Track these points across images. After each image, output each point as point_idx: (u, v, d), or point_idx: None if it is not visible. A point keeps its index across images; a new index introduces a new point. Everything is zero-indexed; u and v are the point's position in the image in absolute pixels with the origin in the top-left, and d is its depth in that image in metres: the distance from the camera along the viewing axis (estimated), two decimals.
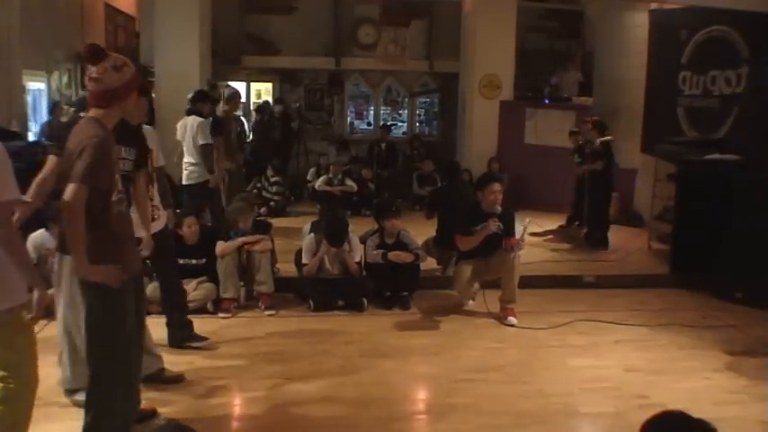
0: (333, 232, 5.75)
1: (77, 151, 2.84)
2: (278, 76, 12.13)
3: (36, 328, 4.35)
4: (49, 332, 3.83)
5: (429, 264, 6.45)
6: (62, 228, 3.50)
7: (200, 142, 6.35)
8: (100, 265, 2.89)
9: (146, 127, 4.16)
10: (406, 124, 12.90)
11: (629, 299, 6.14)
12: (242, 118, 10.07)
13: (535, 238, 7.75)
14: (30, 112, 7.95)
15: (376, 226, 6.20)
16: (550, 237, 8.26)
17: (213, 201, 6.62)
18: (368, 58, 12.04)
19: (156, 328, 4.35)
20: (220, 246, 5.53)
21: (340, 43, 11.90)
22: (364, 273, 5.94)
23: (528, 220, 5.76)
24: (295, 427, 3.71)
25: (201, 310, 5.31)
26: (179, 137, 6.51)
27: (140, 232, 3.61)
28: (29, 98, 7.92)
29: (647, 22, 8.99)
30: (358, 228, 6.46)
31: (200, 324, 4.83)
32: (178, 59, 8.99)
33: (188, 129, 6.42)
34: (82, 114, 3.27)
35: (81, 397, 3.33)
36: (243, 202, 5.94)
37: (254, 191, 9.20)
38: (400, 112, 12.96)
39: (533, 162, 9.77)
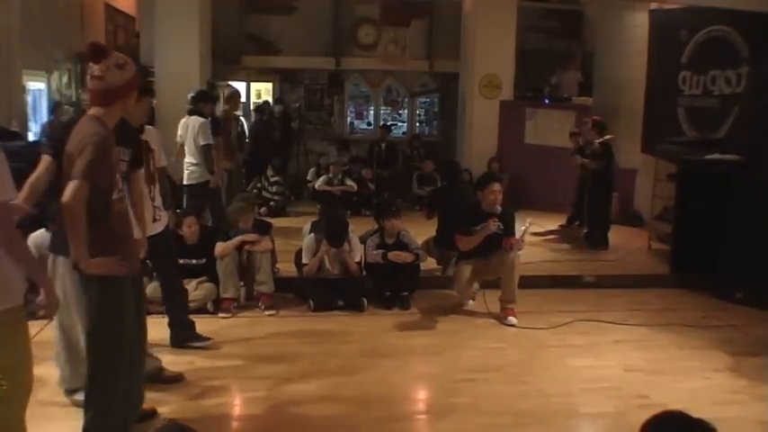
0: (333, 232, 5.75)
1: (78, 149, 2.84)
2: (278, 76, 12.12)
3: (36, 329, 4.38)
4: (49, 332, 3.82)
5: (429, 264, 6.45)
6: (55, 228, 3.51)
7: (202, 143, 6.36)
8: (101, 258, 2.90)
9: (148, 127, 4.16)
10: (406, 124, 12.89)
11: (629, 299, 6.14)
12: (241, 118, 10.06)
13: (536, 237, 7.75)
14: (30, 112, 7.94)
15: (376, 226, 6.20)
16: (553, 237, 8.26)
17: (214, 201, 6.63)
18: (368, 58, 12.04)
19: (158, 328, 4.36)
20: (219, 247, 5.53)
21: (340, 43, 11.90)
22: (364, 273, 5.93)
23: (529, 221, 5.76)
24: (295, 426, 3.71)
25: (201, 310, 5.31)
26: (179, 137, 6.51)
27: (136, 233, 3.60)
28: (29, 98, 7.92)
29: (647, 22, 8.98)
30: (358, 228, 6.46)
31: (201, 324, 4.83)
32: (178, 59, 8.99)
33: (190, 129, 6.42)
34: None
35: (81, 397, 3.32)
36: (243, 202, 5.93)
37: (254, 191, 9.20)
38: (400, 112, 12.96)
39: (533, 162, 9.76)
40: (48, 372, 3.88)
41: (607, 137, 7.71)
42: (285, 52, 11.74)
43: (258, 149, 10.01)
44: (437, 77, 12.43)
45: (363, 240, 6.09)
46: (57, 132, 3.44)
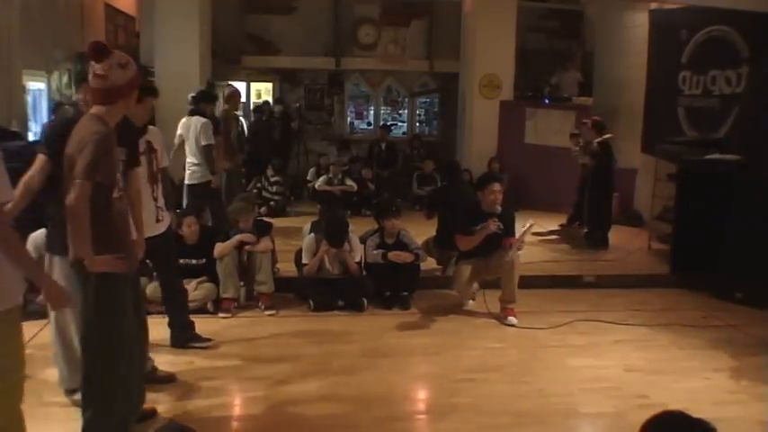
0: (333, 232, 5.75)
1: (79, 149, 2.84)
2: (278, 76, 12.13)
3: (36, 329, 4.38)
4: (48, 333, 3.82)
5: (429, 264, 6.45)
6: (51, 228, 3.51)
7: (203, 143, 6.36)
8: (104, 255, 2.90)
9: (151, 127, 4.17)
10: (406, 124, 12.90)
11: (629, 299, 6.14)
12: (241, 118, 10.06)
13: (536, 237, 7.75)
14: (30, 112, 7.93)
15: (376, 226, 6.20)
16: (553, 237, 8.25)
17: (214, 201, 6.63)
18: (368, 58, 12.04)
19: (158, 328, 4.35)
20: (218, 248, 5.52)
21: (340, 43, 11.90)
22: (364, 273, 5.93)
23: (531, 222, 5.76)
24: (294, 426, 3.71)
25: (201, 310, 5.31)
26: (178, 137, 6.50)
27: (132, 233, 3.59)
28: (29, 98, 7.91)
29: (647, 22, 8.99)
30: (358, 228, 6.46)
31: (201, 324, 4.83)
32: (178, 59, 9.00)
33: (191, 129, 6.42)
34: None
35: (80, 397, 3.32)
36: (243, 202, 5.93)
37: (254, 191, 9.20)
38: (400, 112, 12.96)
39: (533, 162, 9.77)
40: (48, 372, 3.88)
41: (606, 136, 7.72)
42: (285, 52, 11.74)
43: (258, 149, 10.01)
44: (437, 77, 12.43)
45: (363, 240, 6.08)
46: (56, 129, 3.42)
